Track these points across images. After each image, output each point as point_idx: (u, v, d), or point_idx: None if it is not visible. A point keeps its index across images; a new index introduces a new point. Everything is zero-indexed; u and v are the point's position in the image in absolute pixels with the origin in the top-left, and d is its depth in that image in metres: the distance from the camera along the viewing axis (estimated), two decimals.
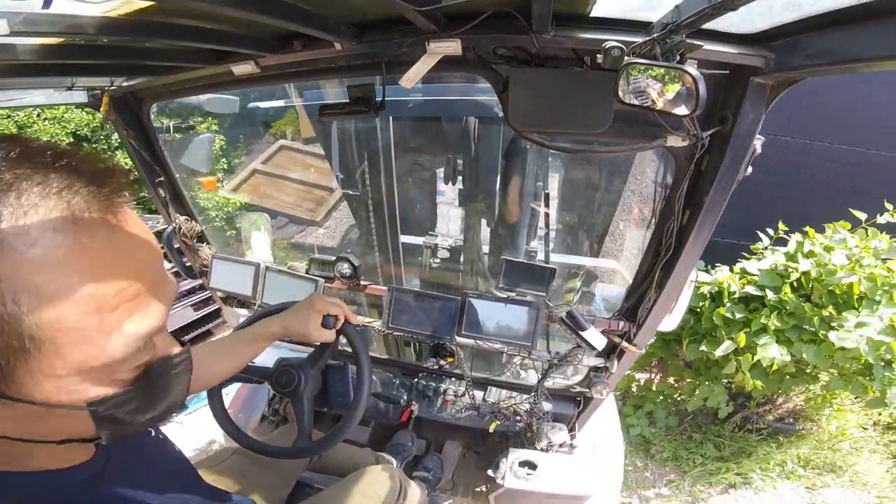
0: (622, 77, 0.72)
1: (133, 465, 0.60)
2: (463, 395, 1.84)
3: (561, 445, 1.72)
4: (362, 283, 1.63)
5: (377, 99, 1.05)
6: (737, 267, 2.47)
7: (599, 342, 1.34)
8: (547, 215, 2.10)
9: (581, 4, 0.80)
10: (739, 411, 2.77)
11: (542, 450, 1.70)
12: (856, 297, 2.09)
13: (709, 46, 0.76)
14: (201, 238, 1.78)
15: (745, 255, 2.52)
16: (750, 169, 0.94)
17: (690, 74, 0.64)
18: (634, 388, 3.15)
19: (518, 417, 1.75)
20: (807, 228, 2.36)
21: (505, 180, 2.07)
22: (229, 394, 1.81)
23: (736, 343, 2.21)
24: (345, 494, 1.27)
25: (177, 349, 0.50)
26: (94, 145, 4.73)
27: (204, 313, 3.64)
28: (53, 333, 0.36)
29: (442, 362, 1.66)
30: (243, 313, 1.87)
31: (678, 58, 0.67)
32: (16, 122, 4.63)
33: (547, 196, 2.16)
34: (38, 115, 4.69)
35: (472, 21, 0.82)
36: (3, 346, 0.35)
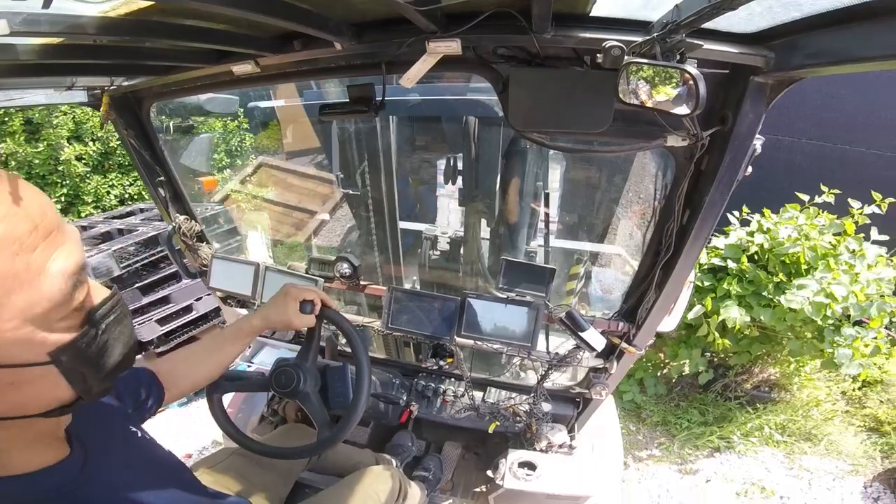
0: (622, 76, 0.72)
1: (116, 466, 0.60)
2: (462, 395, 1.83)
3: (560, 446, 1.72)
4: (362, 282, 1.63)
5: (377, 99, 1.05)
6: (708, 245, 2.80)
7: (599, 343, 1.33)
8: (547, 215, 2.10)
9: (581, 4, 0.80)
10: (720, 380, 3.09)
11: (541, 450, 1.69)
12: (802, 265, 2.42)
13: (709, 46, 0.76)
14: (201, 238, 1.78)
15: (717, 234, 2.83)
16: (750, 169, 0.94)
17: (690, 74, 0.64)
18: None
19: (517, 418, 1.75)
20: (764, 209, 2.69)
21: (505, 180, 2.07)
22: (229, 395, 1.81)
23: (704, 307, 2.56)
24: (344, 495, 1.27)
25: (106, 292, 0.52)
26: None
27: (172, 327, 3.47)
28: None
29: (441, 363, 1.66)
30: (243, 313, 1.87)
31: (678, 57, 0.67)
32: None
33: (547, 196, 2.16)
34: None
35: (472, 21, 0.82)
36: None
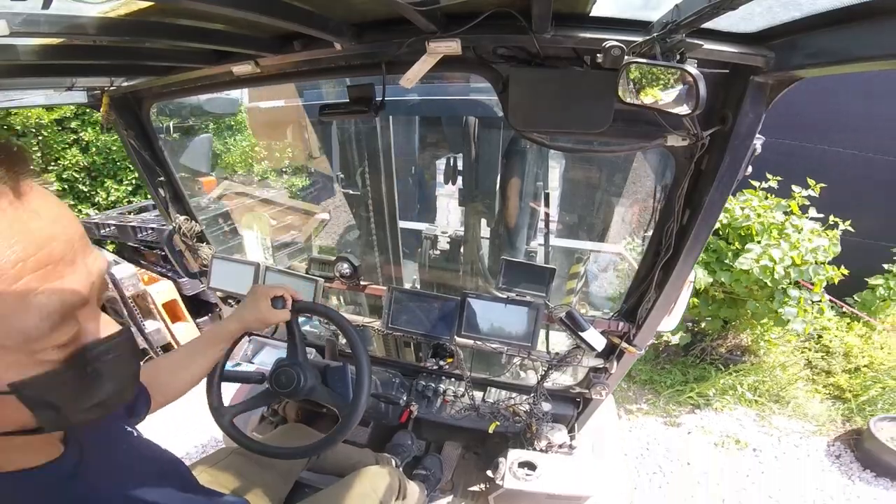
0: (622, 76, 0.72)
1: (111, 464, 0.60)
2: (462, 395, 1.83)
3: (560, 446, 1.72)
4: (362, 282, 1.63)
5: (377, 99, 1.05)
6: None
7: (599, 343, 1.33)
8: (547, 215, 2.10)
9: (581, 4, 0.80)
10: (698, 344, 3.56)
11: (541, 450, 1.69)
12: (754, 236, 2.96)
13: (709, 46, 0.77)
14: (201, 238, 1.78)
15: None
16: (750, 168, 0.94)
17: (690, 74, 0.64)
18: None
19: (517, 418, 1.75)
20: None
21: (505, 180, 2.07)
22: (228, 394, 1.80)
23: None
24: (344, 494, 1.27)
25: (112, 329, 0.49)
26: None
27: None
28: None
29: (441, 363, 1.66)
30: None
31: (678, 57, 0.67)
32: None
33: (547, 196, 2.16)
34: None
35: (471, 21, 0.82)
36: None
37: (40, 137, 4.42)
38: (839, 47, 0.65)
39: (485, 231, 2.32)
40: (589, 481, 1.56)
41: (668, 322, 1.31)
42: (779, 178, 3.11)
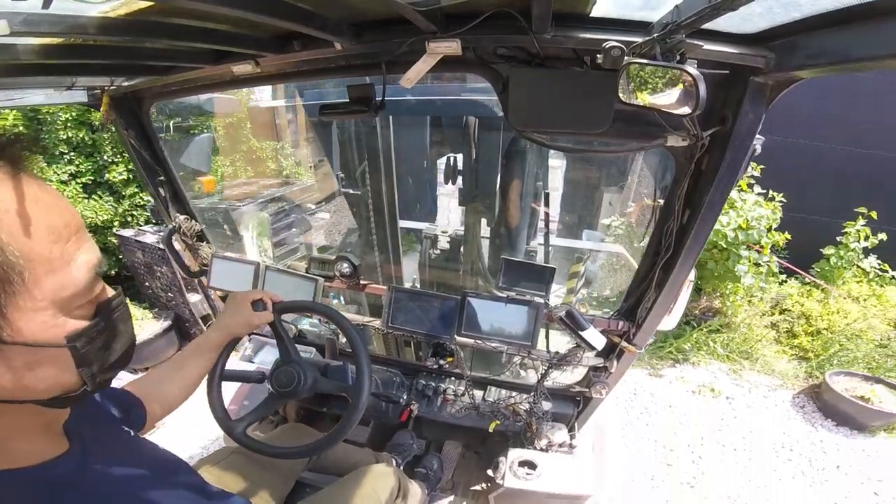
0: (622, 77, 0.72)
1: (113, 461, 0.61)
2: (463, 394, 1.84)
3: (561, 445, 1.72)
4: (362, 282, 1.63)
5: (377, 99, 1.05)
6: None
7: (599, 342, 1.34)
8: (547, 215, 2.10)
9: (581, 4, 0.80)
10: None
11: (541, 449, 1.70)
12: None
13: (709, 46, 0.77)
14: (201, 237, 1.78)
15: None
16: (750, 169, 0.93)
17: (690, 74, 0.64)
18: None
19: (518, 417, 1.75)
20: None
21: (505, 180, 2.07)
22: (228, 394, 1.81)
23: None
24: (344, 493, 1.27)
25: (113, 291, 0.56)
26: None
27: None
28: (29, 263, 0.43)
29: (442, 362, 1.66)
30: None
31: (678, 58, 0.67)
32: None
33: (547, 196, 2.16)
34: None
35: (472, 21, 0.82)
36: None
37: None
38: (839, 48, 0.65)
39: (485, 231, 2.32)
40: (589, 480, 1.57)
41: (669, 321, 1.32)
42: None
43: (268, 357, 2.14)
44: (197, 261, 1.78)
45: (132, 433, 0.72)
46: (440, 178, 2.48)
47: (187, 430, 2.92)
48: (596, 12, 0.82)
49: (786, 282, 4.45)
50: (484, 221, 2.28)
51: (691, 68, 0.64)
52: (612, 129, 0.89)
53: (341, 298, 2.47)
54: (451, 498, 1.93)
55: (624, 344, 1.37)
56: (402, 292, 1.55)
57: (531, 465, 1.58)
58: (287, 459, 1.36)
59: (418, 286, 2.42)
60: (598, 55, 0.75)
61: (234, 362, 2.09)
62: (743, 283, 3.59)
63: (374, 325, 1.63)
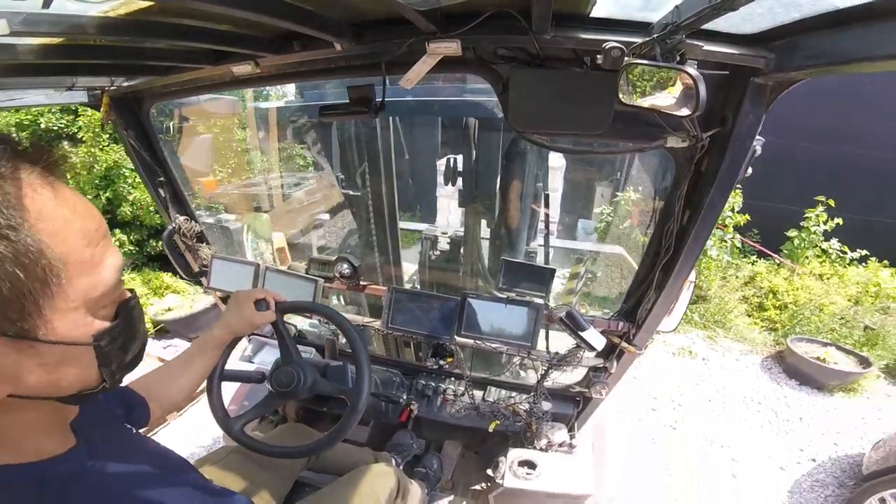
0: (622, 78, 0.72)
1: (119, 458, 0.61)
2: (462, 394, 1.83)
3: (560, 445, 1.72)
4: (362, 282, 1.63)
5: (377, 99, 1.05)
6: None
7: (599, 342, 1.34)
8: (547, 216, 2.10)
9: (581, 5, 0.80)
10: None
11: (541, 449, 1.69)
12: None
13: (709, 47, 0.76)
14: (201, 238, 1.78)
15: None
16: (750, 170, 0.94)
17: (690, 75, 0.64)
18: None
19: (517, 417, 1.75)
20: None
21: (505, 181, 2.07)
22: (228, 394, 1.81)
23: None
24: (344, 493, 1.27)
25: (129, 292, 0.58)
26: None
27: None
28: (66, 265, 0.45)
29: (441, 362, 1.66)
30: None
31: (678, 58, 0.67)
32: None
33: (547, 197, 2.16)
34: None
35: (472, 21, 0.82)
36: (33, 279, 0.43)
37: None
38: (839, 48, 0.65)
39: (485, 231, 2.32)
40: (589, 480, 1.57)
41: (669, 322, 1.32)
42: None
43: (268, 357, 2.14)
44: (197, 262, 1.78)
45: (135, 431, 0.73)
46: (440, 178, 2.47)
47: (187, 430, 2.92)
48: (596, 13, 0.82)
49: (757, 261, 5.11)
50: (484, 222, 2.28)
51: (691, 69, 0.64)
52: (612, 130, 0.89)
53: (341, 299, 2.46)
54: (451, 497, 1.93)
55: (624, 344, 1.37)
56: (401, 293, 1.55)
57: (531, 465, 1.58)
58: (286, 459, 1.36)
59: (418, 287, 2.42)
60: (598, 56, 0.75)
61: (234, 362, 2.09)
62: (710, 255, 4.23)
63: (374, 325, 1.63)
